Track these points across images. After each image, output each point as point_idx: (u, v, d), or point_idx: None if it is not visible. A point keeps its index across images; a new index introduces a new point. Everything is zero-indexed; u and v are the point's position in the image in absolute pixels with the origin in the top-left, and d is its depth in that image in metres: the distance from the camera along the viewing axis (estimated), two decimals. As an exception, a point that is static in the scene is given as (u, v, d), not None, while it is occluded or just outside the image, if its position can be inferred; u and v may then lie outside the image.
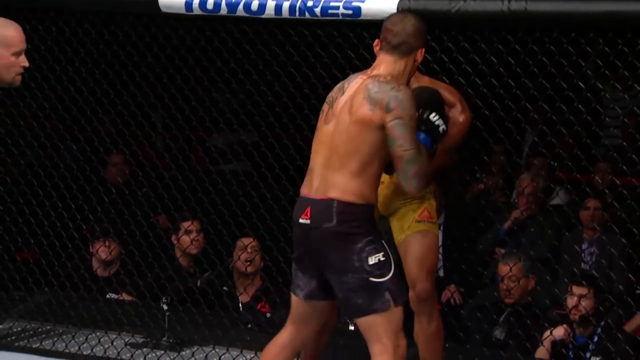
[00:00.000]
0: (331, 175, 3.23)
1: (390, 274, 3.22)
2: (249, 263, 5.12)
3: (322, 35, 4.40)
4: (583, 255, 5.39)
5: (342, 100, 3.27)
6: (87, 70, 4.99)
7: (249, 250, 5.14)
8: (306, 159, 4.76)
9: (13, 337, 4.65)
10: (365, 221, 3.22)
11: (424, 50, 3.31)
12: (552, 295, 5.11)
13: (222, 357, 4.44)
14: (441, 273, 5.71)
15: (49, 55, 4.81)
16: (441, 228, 5.63)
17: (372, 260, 3.19)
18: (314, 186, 3.26)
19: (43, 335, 4.66)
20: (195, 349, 4.50)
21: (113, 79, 5.02)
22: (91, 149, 5.42)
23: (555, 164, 4.92)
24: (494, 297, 5.04)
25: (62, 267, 5.04)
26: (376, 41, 3.34)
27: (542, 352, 4.62)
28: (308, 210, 3.25)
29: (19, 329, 4.72)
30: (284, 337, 3.42)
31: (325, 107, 3.33)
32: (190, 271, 5.27)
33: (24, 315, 4.82)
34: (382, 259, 3.20)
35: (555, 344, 4.62)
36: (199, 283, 5.10)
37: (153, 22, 4.65)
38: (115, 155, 5.90)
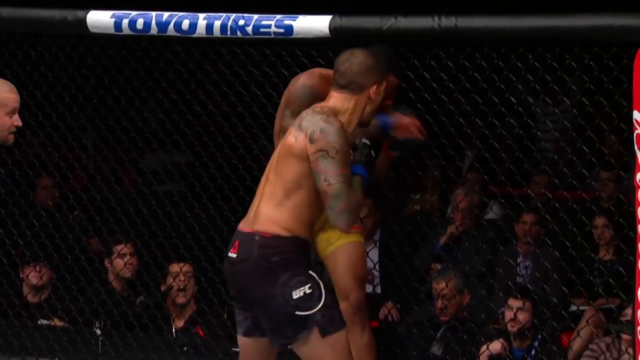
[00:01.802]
0: (260, 206, 3.17)
1: (320, 305, 3.12)
2: (180, 294, 5.04)
3: (254, 54, 4.39)
4: (518, 268, 5.44)
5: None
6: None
7: (181, 278, 5.05)
8: (241, 178, 4.77)
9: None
10: (289, 253, 3.13)
11: (382, 85, 3.22)
12: (488, 310, 5.15)
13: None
14: (378, 290, 5.73)
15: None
16: (377, 244, 5.66)
17: (296, 294, 3.11)
18: (246, 220, 3.21)
19: (-29, 364, 4.56)
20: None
21: (41, 101, 4.94)
22: (19, 172, 5.32)
23: (489, 178, 4.96)
24: (431, 312, 5.05)
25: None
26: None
27: (479, 366, 4.66)
28: (237, 244, 3.18)
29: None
30: None
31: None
32: (124, 295, 5.19)
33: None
34: (307, 291, 3.11)
35: (492, 358, 4.65)
36: (136, 308, 5.03)
37: (81, 42, 4.60)
38: (45, 178, 5.79)
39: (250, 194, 4.83)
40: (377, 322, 5.47)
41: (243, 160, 4.88)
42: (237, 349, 4.68)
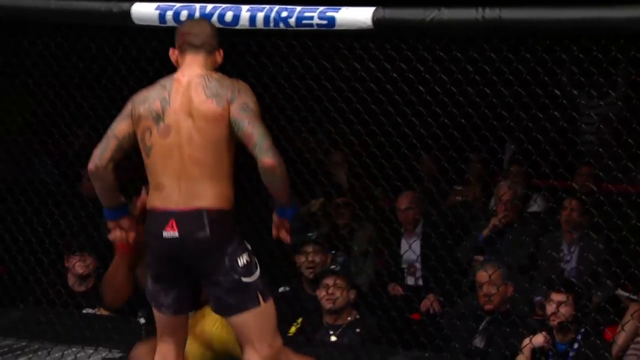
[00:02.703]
0: (192, 185, 3.28)
1: (257, 272, 3.36)
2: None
3: (296, 46, 4.40)
4: (563, 255, 5.40)
5: (173, 109, 3.30)
6: (60, 83, 4.97)
7: None
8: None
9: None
10: (233, 225, 3.33)
11: (222, 52, 3.43)
12: (531, 302, 5.13)
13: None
14: (420, 282, 5.74)
15: (23, 69, 4.79)
16: (419, 237, 5.67)
17: (241, 262, 3.33)
18: (173, 199, 3.30)
19: (18, 352, 4.62)
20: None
21: (86, 92, 4.99)
22: (65, 163, 5.38)
23: (533, 171, 4.93)
24: (473, 305, 5.04)
25: (37, 283, 5.00)
26: (171, 50, 3.40)
27: (521, 359, 4.63)
28: (172, 222, 3.30)
29: (-7, 346, 4.68)
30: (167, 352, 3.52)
31: (147, 123, 3.32)
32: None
33: (-3, 332, 4.77)
34: (248, 259, 3.34)
35: (534, 351, 4.63)
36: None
37: (126, 34, 4.63)
38: None
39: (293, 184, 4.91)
40: (418, 314, 5.49)
41: (283, 152, 4.91)
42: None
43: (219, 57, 3.40)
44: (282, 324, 4.84)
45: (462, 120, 4.52)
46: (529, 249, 5.38)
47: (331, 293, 4.93)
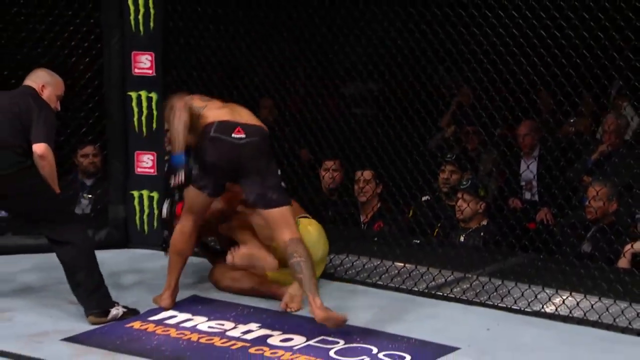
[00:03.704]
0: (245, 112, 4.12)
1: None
2: (361, 193, 5.36)
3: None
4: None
5: None
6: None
7: (361, 183, 5.36)
8: (423, 102, 4.93)
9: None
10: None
11: None
12: (633, 216, 5.14)
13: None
14: (536, 197, 5.81)
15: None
16: (536, 159, 5.73)
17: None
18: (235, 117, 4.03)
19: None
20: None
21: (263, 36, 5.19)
22: (247, 93, 5.58)
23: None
24: (582, 217, 5.10)
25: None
26: None
27: (623, 262, 4.68)
28: (239, 129, 3.97)
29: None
30: (189, 226, 4.12)
31: None
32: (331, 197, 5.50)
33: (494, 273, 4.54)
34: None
35: (635, 255, 4.68)
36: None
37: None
38: (266, 99, 6.00)
39: (430, 116, 5.03)
40: (534, 223, 5.58)
41: (424, 88, 5.05)
42: (417, 240, 4.98)
43: None
44: (425, 226, 5.08)
45: (577, 61, 4.53)
46: (632, 170, 5.37)
47: (459, 205, 5.10)
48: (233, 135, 3.96)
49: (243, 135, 3.97)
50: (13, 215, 4.17)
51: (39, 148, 3.89)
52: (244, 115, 4.10)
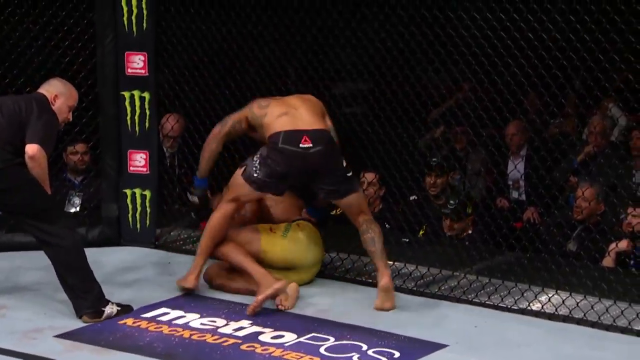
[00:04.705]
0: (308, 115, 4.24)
1: None
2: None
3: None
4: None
5: None
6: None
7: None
8: (411, 102, 4.96)
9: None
10: None
11: None
12: (617, 215, 5.20)
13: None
14: (523, 197, 5.86)
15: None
16: (523, 158, 5.78)
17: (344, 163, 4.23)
18: (297, 123, 4.19)
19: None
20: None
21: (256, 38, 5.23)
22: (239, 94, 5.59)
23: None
24: (568, 216, 5.15)
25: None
26: None
27: (608, 261, 4.75)
28: (306, 138, 4.11)
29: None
30: (231, 209, 4.28)
31: None
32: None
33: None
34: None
35: (619, 254, 4.74)
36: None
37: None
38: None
39: (419, 115, 5.07)
40: (521, 222, 5.63)
41: (413, 88, 5.09)
42: (406, 239, 5.02)
43: None
44: (413, 225, 5.11)
45: (564, 62, 4.58)
46: (617, 171, 5.43)
47: (448, 224, 5.12)
48: (301, 145, 4.13)
49: (310, 145, 4.14)
50: (1, 211, 4.20)
51: (30, 149, 3.91)
52: (305, 118, 4.22)
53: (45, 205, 4.01)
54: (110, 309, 4.06)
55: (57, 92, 4.09)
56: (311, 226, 4.52)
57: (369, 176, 5.31)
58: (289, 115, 4.21)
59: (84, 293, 4.01)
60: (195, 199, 4.50)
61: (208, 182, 4.55)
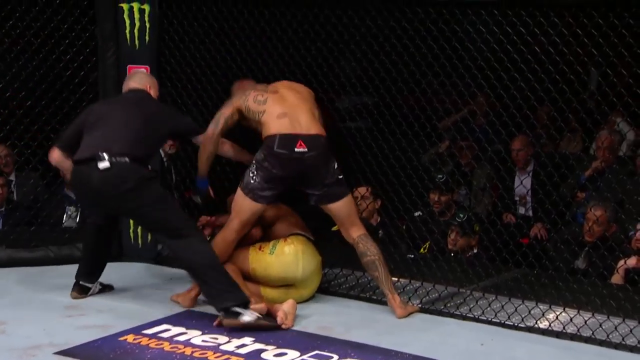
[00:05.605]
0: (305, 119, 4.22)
1: None
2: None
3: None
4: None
5: None
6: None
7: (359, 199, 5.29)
8: (416, 116, 4.93)
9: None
10: None
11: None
12: (626, 232, 5.15)
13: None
14: (530, 212, 5.82)
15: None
16: (530, 174, 5.74)
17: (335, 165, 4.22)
18: (294, 126, 4.16)
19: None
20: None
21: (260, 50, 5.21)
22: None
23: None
24: (576, 232, 5.11)
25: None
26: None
27: (617, 278, 4.71)
28: (301, 142, 4.10)
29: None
30: (232, 236, 4.24)
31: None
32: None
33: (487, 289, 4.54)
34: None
35: (628, 271, 4.69)
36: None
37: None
38: None
39: (423, 129, 5.03)
40: (527, 239, 5.58)
41: (418, 102, 5.05)
42: (412, 255, 4.97)
43: None
44: (418, 241, 5.07)
45: (571, 77, 4.55)
46: (625, 186, 5.39)
47: (453, 238, 5.10)
48: (296, 149, 4.12)
49: (305, 150, 4.14)
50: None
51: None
52: (304, 122, 4.20)
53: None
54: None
55: (149, 83, 4.36)
56: (302, 239, 4.44)
57: (361, 190, 5.28)
58: (288, 117, 4.20)
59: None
60: (198, 199, 4.48)
61: (209, 181, 4.48)
